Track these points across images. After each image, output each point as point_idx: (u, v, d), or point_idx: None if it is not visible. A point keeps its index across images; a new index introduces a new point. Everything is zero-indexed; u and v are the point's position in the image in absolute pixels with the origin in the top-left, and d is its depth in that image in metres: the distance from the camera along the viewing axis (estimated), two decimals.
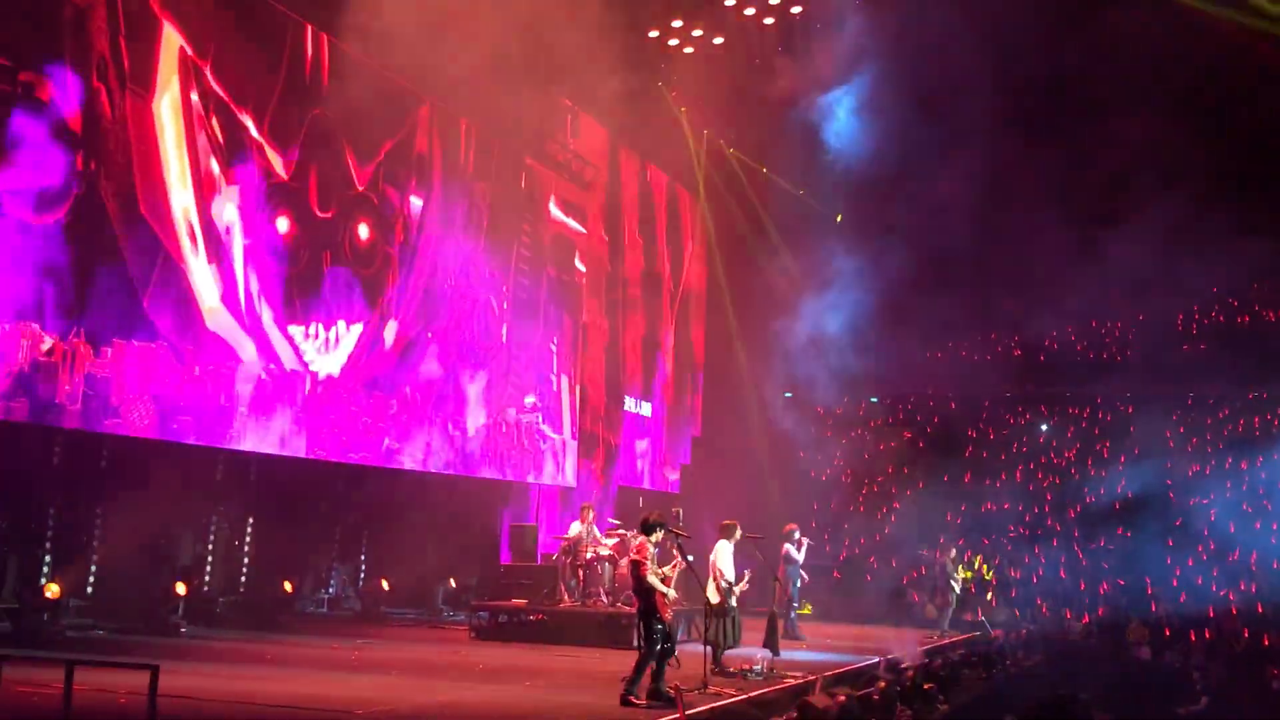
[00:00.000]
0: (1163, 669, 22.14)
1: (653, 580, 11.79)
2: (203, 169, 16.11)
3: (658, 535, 12.29)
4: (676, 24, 25.57)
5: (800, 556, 19.41)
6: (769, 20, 25.97)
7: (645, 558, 11.93)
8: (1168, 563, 27.39)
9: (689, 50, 26.21)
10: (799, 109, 27.46)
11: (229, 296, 16.54)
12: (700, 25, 25.72)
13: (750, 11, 25.48)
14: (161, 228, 15.47)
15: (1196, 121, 25.78)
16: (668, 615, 11.82)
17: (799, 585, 19.57)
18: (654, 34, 25.65)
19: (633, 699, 11.39)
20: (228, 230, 16.53)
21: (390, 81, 19.39)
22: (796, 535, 19.47)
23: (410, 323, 20.11)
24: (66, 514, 16.06)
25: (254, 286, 16.97)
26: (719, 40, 26.00)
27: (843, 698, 11.20)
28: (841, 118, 27.51)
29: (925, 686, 14.25)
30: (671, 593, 11.98)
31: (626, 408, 27.36)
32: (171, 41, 15.62)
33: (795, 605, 19.44)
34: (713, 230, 30.79)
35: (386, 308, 19.60)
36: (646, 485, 28.25)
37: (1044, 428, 32.43)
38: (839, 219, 30.24)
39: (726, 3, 25.17)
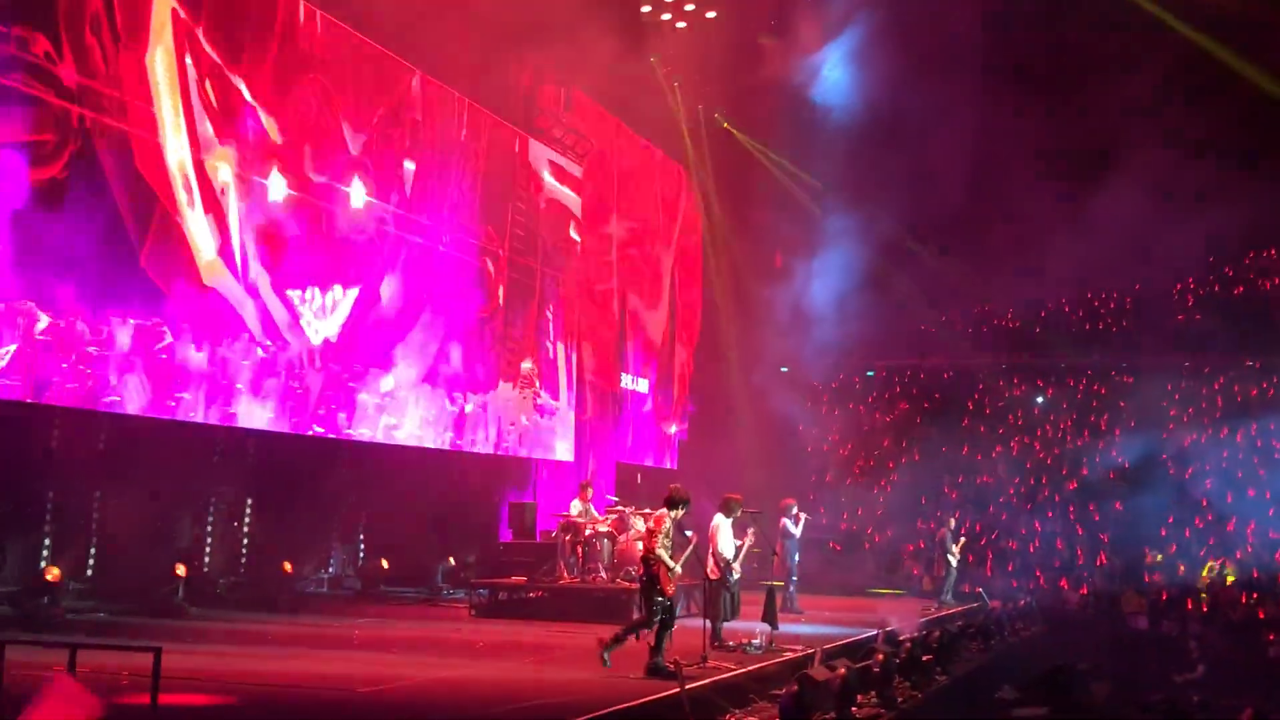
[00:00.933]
0: (1160, 638, 22.29)
1: (660, 553, 11.85)
2: (198, 128, 16.08)
3: (679, 511, 12.31)
4: None
5: (798, 531, 19.43)
6: None
7: (659, 529, 11.99)
8: (1164, 533, 27.49)
9: (681, 25, 26.13)
10: (791, 77, 27.41)
11: (225, 250, 16.52)
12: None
13: None
14: (157, 181, 15.44)
15: (1195, 87, 25.73)
16: (669, 589, 11.86)
17: (797, 559, 19.61)
18: (646, 9, 25.58)
19: (605, 657, 11.72)
20: (223, 191, 16.51)
21: (382, 50, 19.40)
22: (794, 510, 19.48)
23: (406, 286, 20.11)
24: (65, 496, 16.06)
25: (250, 250, 16.95)
26: (711, 15, 25.91)
27: (842, 670, 11.26)
28: (833, 78, 27.43)
29: (924, 658, 14.32)
30: (677, 569, 12.00)
31: (623, 384, 27.37)
32: (163, 3, 15.55)
33: (794, 579, 19.49)
34: (709, 204, 30.77)
35: (382, 272, 19.60)
36: (644, 461, 28.29)
37: (1040, 399, 32.50)
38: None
39: None
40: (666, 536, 11.98)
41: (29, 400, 13.90)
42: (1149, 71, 24.96)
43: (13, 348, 13.51)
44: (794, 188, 30.02)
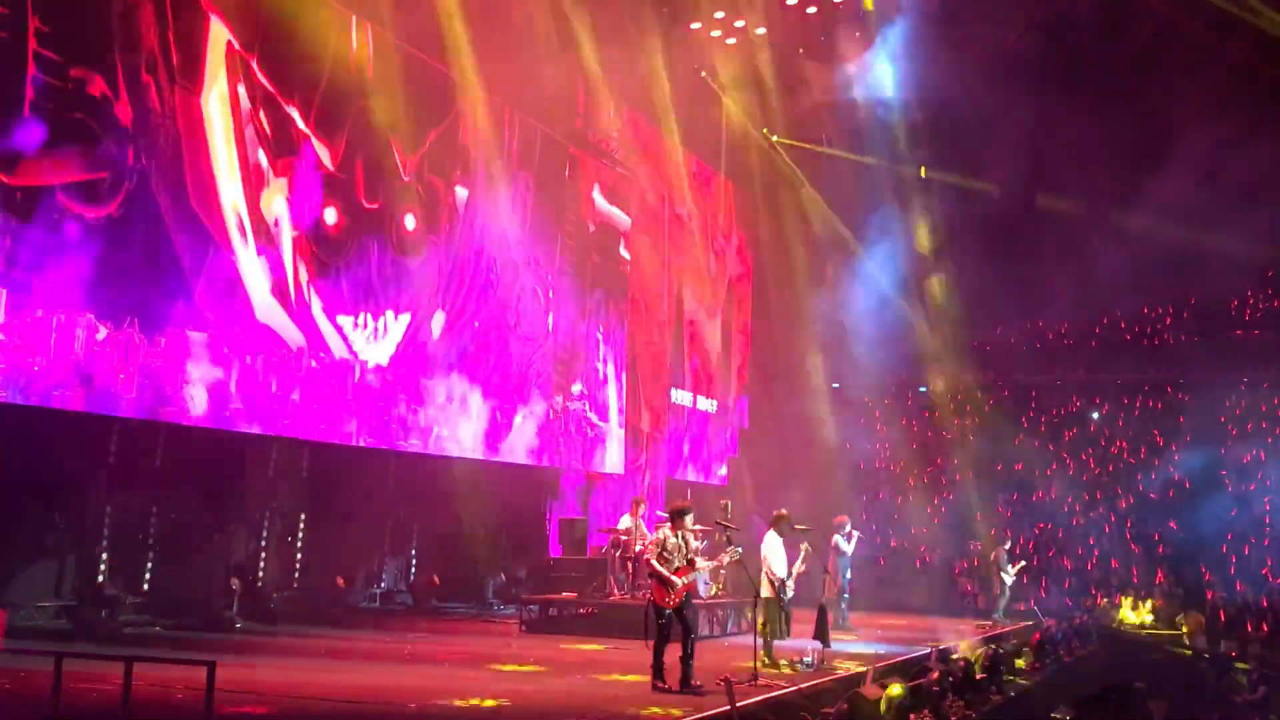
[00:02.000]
0: (1218, 658, 21.90)
1: (654, 564, 11.88)
2: (251, 161, 16.30)
3: (688, 521, 12.26)
4: (719, 15, 25.50)
5: (850, 548, 19.31)
6: (811, 9, 25.80)
7: (653, 543, 12.04)
8: (1223, 550, 27.07)
9: (731, 41, 26.12)
10: (839, 88, 27.28)
11: (279, 288, 16.72)
12: (742, 16, 25.61)
13: (792, 1, 25.33)
14: (211, 220, 15.66)
15: (1253, 95, 25.34)
16: (666, 602, 11.79)
17: (849, 577, 19.48)
18: (696, 25, 25.60)
19: (658, 684, 11.55)
20: (276, 222, 16.71)
21: (434, 71, 19.54)
22: (847, 527, 19.36)
23: (457, 312, 20.26)
24: (123, 510, 16.25)
25: (303, 277, 17.15)
26: (761, 30, 25.87)
27: (895, 688, 11.15)
28: (879, 86, 27.24)
29: (977, 677, 14.17)
30: (679, 581, 11.84)
31: (674, 399, 27.36)
32: (219, 36, 15.81)
33: (846, 596, 19.36)
34: (759, 219, 30.69)
35: (433, 297, 19.76)
36: (695, 478, 28.24)
37: (1096, 415, 32.11)
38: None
39: None
40: (661, 549, 11.94)
41: (87, 411, 14.10)
42: (1205, 79, 24.61)
43: (71, 359, 13.71)
44: (837, 217, 29.80)
